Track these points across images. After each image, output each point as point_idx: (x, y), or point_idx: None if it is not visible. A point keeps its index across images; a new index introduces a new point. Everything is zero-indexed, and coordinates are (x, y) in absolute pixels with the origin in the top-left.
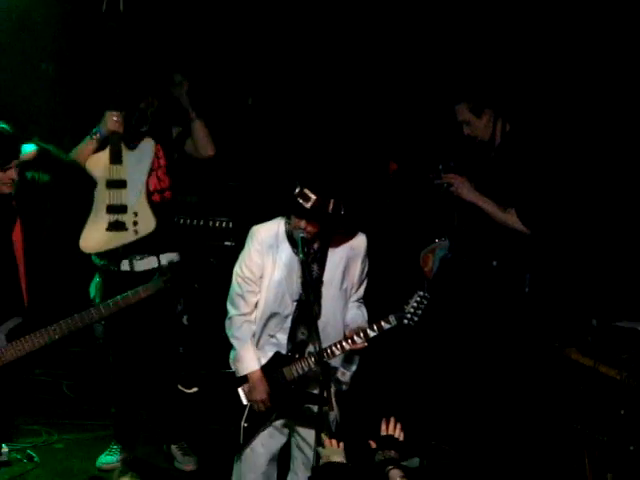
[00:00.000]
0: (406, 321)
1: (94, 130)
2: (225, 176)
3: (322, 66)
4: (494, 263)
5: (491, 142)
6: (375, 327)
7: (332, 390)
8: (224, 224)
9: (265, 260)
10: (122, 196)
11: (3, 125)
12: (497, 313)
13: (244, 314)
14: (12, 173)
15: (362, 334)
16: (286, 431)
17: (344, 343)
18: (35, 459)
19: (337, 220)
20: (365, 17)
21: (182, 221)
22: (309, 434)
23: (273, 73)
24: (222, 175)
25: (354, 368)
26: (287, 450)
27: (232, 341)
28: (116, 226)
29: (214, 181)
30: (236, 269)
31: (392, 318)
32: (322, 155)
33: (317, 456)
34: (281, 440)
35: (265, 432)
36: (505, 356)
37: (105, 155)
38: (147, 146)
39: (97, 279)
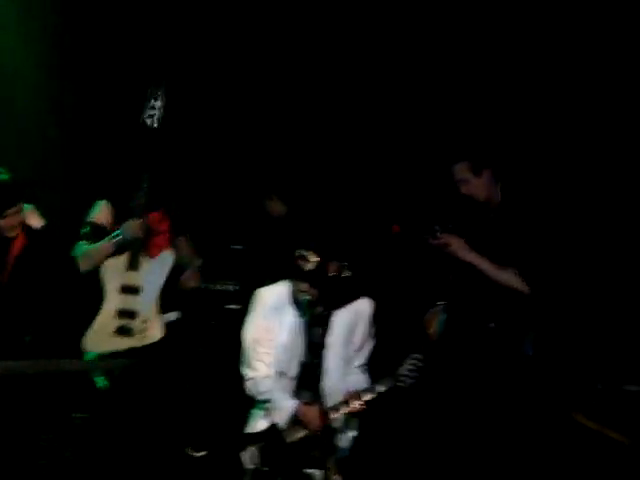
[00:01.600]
0: (401, 384)
1: (116, 233)
2: (229, 240)
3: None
4: (491, 325)
5: (487, 203)
6: (371, 391)
7: (334, 455)
8: (228, 287)
9: (272, 323)
10: (134, 302)
11: (3, 175)
12: (497, 376)
13: (263, 373)
14: (13, 220)
15: (358, 398)
16: None
17: (341, 406)
18: None
19: (338, 284)
20: (353, 75)
21: None
22: None
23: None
24: (226, 239)
25: (353, 433)
26: None
27: (260, 397)
28: (124, 331)
29: (218, 245)
30: (246, 333)
31: (387, 381)
32: (323, 218)
33: None
34: None
35: None
36: (508, 421)
37: (122, 260)
38: (167, 257)
39: None
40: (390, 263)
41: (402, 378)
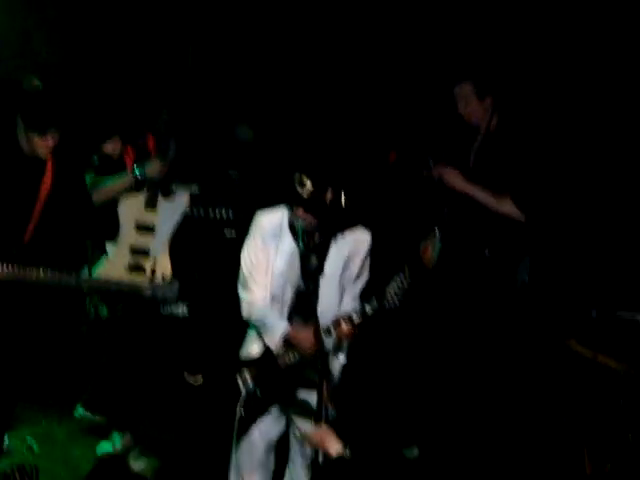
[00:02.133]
0: (387, 304)
1: (137, 171)
2: (226, 165)
3: (321, 54)
4: (486, 252)
5: (478, 129)
6: (360, 312)
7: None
8: (224, 214)
9: (268, 247)
10: (148, 241)
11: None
12: (492, 303)
13: (258, 296)
14: (50, 141)
15: (349, 320)
16: (284, 421)
17: (332, 329)
18: (35, 448)
19: (336, 212)
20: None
21: None
22: (305, 425)
23: (272, 62)
24: (222, 164)
25: (343, 358)
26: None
27: (253, 319)
28: (136, 268)
29: (214, 171)
30: (243, 254)
31: (373, 302)
32: (322, 144)
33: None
34: (279, 429)
35: (263, 421)
36: (502, 347)
37: (141, 198)
38: (182, 199)
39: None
40: (387, 191)
41: (389, 298)
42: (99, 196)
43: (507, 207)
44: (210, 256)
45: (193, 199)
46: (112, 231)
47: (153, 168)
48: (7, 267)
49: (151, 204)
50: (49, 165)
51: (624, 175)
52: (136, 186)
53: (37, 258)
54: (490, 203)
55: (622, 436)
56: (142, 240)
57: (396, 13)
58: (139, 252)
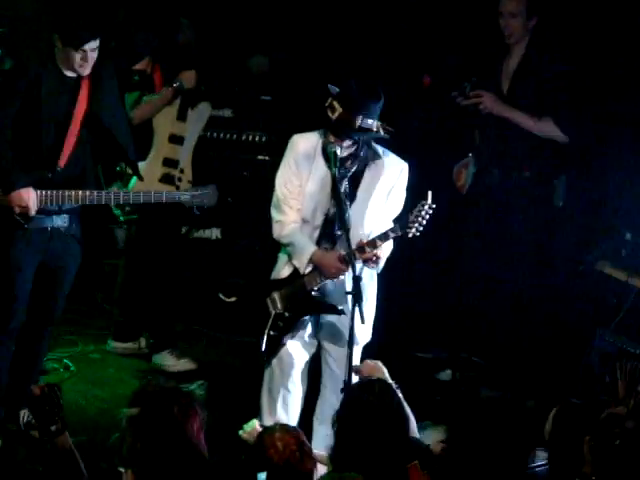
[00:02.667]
0: (410, 230)
1: (176, 81)
2: (259, 90)
3: None
4: (527, 174)
5: (513, 50)
6: (384, 237)
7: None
8: (257, 138)
9: (302, 170)
10: (178, 152)
11: None
12: (530, 225)
13: (290, 218)
14: (87, 57)
15: (373, 244)
16: (314, 343)
17: (357, 253)
18: (72, 368)
19: (366, 137)
20: None
21: (216, 135)
22: (335, 349)
23: None
24: (256, 89)
25: (373, 283)
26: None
27: (282, 240)
28: (167, 179)
29: (248, 95)
30: (277, 176)
31: (397, 227)
32: (353, 69)
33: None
34: (310, 351)
35: (293, 343)
36: (536, 271)
37: (173, 110)
38: (205, 109)
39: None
40: (421, 117)
41: (411, 224)
42: (143, 112)
43: (548, 128)
44: (243, 180)
45: (227, 122)
46: (144, 150)
47: (188, 78)
48: (43, 193)
49: (182, 115)
50: (85, 85)
51: None
52: (175, 98)
53: (72, 182)
54: (530, 125)
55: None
56: (174, 151)
57: None
58: (171, 163)
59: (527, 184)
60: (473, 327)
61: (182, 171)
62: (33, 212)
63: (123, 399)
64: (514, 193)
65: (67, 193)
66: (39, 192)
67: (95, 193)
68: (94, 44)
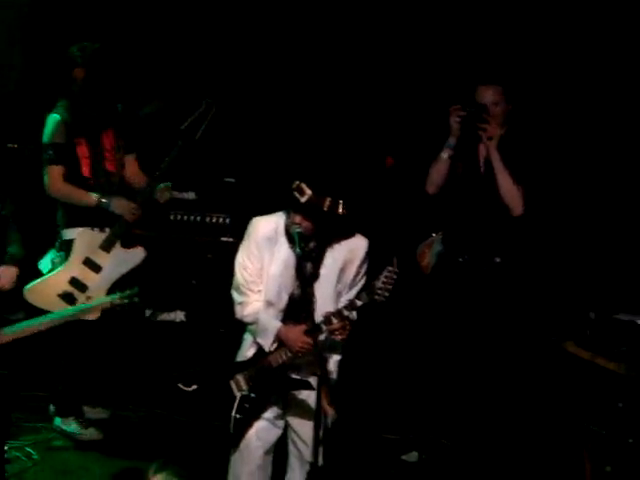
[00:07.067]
0: (377, 297)
1: (107, 200)
2: (222, 172)
3: (318, 61)
4: (497, 260)
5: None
6: (350, 306)
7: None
8: (221, 220)
9: (263, 253)
10: (90, 278)
11: None
12: (496, 309)
13: (252, 298)
14: None
15: (339, 315)
16: (281, 424)
17: (323, 325)
18: (34, 457)
19: (333, 219)
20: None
21: (180, 217)
22: (302, 429)
23: (268, 69)
24: (219, 171)
25: (337, 356)
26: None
27: (246, 320)
28: (68, 299)
29: (211, 177)
30: (237, 259)
31: (363, 295)
32: (320, 151)
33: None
34: (276, 433)
35: (259, 424)
36: (503, 351)
37: (100, 237)
38: (137, 255)
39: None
40: (384, 196)
41: (378, 291)
42: (62, 193)
43: (517, 195)
44: (207, 262)
45: (190, 204)
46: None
47: (120, 207)
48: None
49: (107, 246)
50: None
51: (623, 177)
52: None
53: None
54: (507, 183)
55: (622, 438)
56: (85, 275)
57: (394, 19)
58: (78, 285)
59: (499, 270)
60: (441, 408)
61: (89, 298)
62: None
63: None
64: (483, 277)
65: None
66: None
67: None
68: None
